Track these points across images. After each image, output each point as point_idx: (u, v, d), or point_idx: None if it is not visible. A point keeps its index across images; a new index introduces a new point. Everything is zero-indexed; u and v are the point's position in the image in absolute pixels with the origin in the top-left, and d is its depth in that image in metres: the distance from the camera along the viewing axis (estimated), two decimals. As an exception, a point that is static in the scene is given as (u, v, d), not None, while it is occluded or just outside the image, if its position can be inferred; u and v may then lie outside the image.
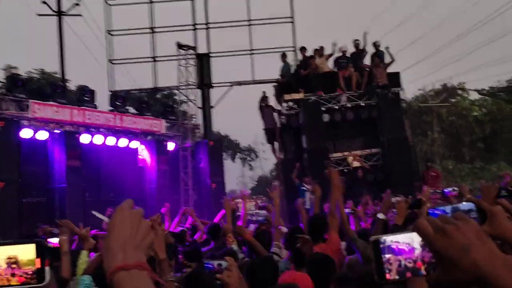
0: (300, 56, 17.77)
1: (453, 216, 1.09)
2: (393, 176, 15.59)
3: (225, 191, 18.35)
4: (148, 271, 1.12)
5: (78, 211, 12.57)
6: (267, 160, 47.42)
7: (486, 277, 1.00)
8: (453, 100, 44.21)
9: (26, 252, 1.33)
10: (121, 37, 19.36)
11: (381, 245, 1.14)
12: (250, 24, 19.26)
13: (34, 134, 12.95)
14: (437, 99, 41.96)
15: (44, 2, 22.25)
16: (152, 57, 19.19)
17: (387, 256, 1.13)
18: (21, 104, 12.95)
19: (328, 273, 3.86)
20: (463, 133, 41.90)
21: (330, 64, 17.16)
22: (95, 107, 14.84)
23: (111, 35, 19.06)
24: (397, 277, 1.13)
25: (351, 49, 16.97)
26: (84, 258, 4.86)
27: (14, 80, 13.18)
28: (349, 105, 16.44)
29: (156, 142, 16.47)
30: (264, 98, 16.95)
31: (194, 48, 18.60)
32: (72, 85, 26.44)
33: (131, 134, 15.85)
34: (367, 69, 16.59)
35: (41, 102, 13.35)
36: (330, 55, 16.89)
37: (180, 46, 18.20)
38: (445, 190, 6.77)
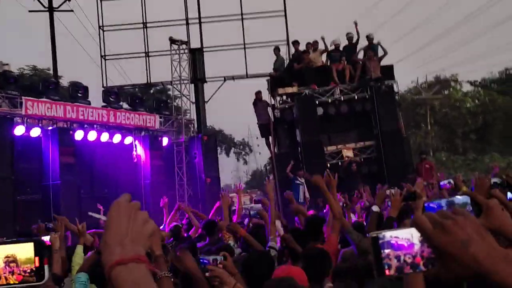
0: (293, 50, 17.77)
1: (452, 211, 1.09)
2: (387, 168, 15.67)
3: (220, 186, 18.36)
4: (146, 263, 1.11)
5: (73, 208, 12.54)
6: (261, 154, 47.52)
7: (486, 272, 1.00)
8: (446, 92, 44.36)
9: (25, 251, 1.33)
10: (113, 32, 19.28)
11: (380, 241, 1.14)
12: (242, 18, 19.23)
13: (27, 131, 12.89)
14: (430, 91, 42.07)
15: (35, -2, 22.12)
16: (145, 53, 19.13)
17: (387, 251, 1.13)
18: (13, 101, 12.88)
19: (323, 267, 3.88)
20: (456, 125, 42.08)
21: (323, 58, 17.17)
22: (89, 103, 14.77)
23: (103, 30, 18.98)
24: (396, 272, 1.13)
25: (344, 43, 16.99)
26: (80, 253, 4.86)
27: (6, 77, 13.09)
28: (342, 98, 16.46)
29: (150, 138, 16.43)
30: (257, 93, 16.94)
31: (187, 43, 18.54)
32: (64, 82, 26.38)
33: (124, 130, 15.80)
34: (360, 62, 16.61)
35: (34, 99, 13.28)
36: (324, 51, 16.89)
37: (172, 41, 18.13)
38: (441, 183, 6.80)
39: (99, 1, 19.03)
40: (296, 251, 4.92)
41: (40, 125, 13.44)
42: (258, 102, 16.91)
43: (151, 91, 34.56)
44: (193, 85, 18.78)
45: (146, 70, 19.10)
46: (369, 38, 16.74)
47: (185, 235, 8.11)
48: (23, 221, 11.98)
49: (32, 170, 13.25)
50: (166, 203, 9.70)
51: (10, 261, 1.32)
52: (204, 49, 19.11)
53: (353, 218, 7.49)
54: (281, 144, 17.14)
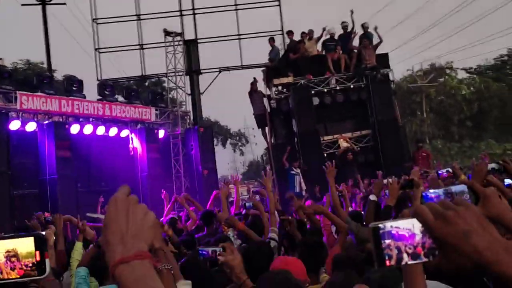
0: (287, 40, 17.73)
1: (454, 201, 1.08)
2: (384, 157, 15.71)
3: (217, 177, 18.37)
4: (149, 259, 1.11)
5: (70, 202, 12.54)
6: (258, 145, 47.62)
7: (488, 263, 1.00)
8: (441, 79, 44.40)
9: (25, 245, 1.33)
10: (107, 25, 19.17)
11: (381, 231, 1.13)
12: (236, 9, 19.14)
13: (22, 126, 12.85)
14: (426, 79, 42.10)
15: (28, -9, 21.98)
16: (139, 45, 19.04)
17: (387, 241, 1.12)
18: (8, 95, 12.82)
19: (319, 257, 3.89)
20: (452, 112, 42.18)
21: (318, 47, 17.15)
22: (84, 96, 14.71)
23: (97, 23, 18.86)
24: (397, 263, 1.12)
25: (339, 32, 16.96)
26: (79, 249, 4.87)
27: (0, 72, 13.03)
28: (338, 87, 16.47)
29: (146, 130, 16.40)
30: (253, 83, 16.91)
31: (181, 34, 18.46)
32: (59, 75, 26.27)
33: (120, 123, 15.76)
34: (355, 50, 16.58)
35: (29, 93, 13.23)
36: (319, 39, 16.87)
37: (167, 33, 18.05)
38: (439, 172, 6.82)
39: (92, -6, 18.92)
40: (295, 238, 4.94)
41: (35, 119, 13.39)
42: (253, 92, 16.89)
43: (146, 83, 34.49)
44: (188, 77, 18.72)
45: (141, 62, 19.04)
46: (364, 26, 16.72)
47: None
48: (20, 216, 11.96)
49: (29, 165, 13.22)
50: (166, 195, 9.75)
51: (11, 255, 1.32)
52: (199, 41, 19.03)
53: (350, 208, 7.52)
54: (278, 134, 17.14)
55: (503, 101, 41.36)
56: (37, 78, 14.04)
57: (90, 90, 15.67)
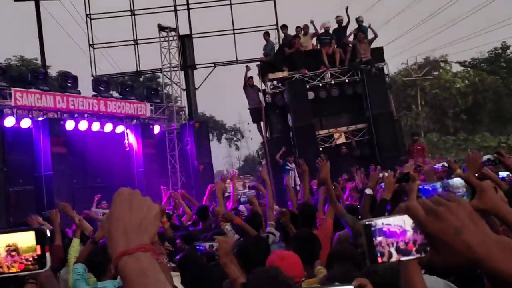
0: (282, 35, 17.70)
1: (446, 197, 1.07)
2: (379, 150, 15.74)
3: (213, 172, 18.38)
4: (152, 251, 1.11)
5: (66, 198, 12.45)
6: (253, 139, 47.58)
7: (479, 258, 0.99)
8: (436, 73, 44.47)
9: (26, 239, 1.34)
10: (101, 20, 19.09)
11: (373, 228, 1.13)
12: (231, 4, 19.10)
13: (17, 122, 12.81)
14: (420, 72, 42.16)
15: (21, -13, 21.83)
16: (133, 40, 18.98)
17: (379, 238, 1.12)
18: (2, 92, 12.79)
19: (313, 250, 3.91)
20: (447, 106, 42.26)
21: (313, 41, 17.13)
22: (78, 92, 14.68)
23: (91, 19, 18.78)
24: (388, 260, 1.12)
25: (333, 26, 16.94)
26: (76, 246, 4.88)
27: (-6, 69, 12.99)
28: (333, 81, 16.47)
29: (141, 126, 16.39)
30: (249, 78, 16.89)
31: (175, 29, 18.41)
32: (53, 71, 26.16)
33: (116, 118, 15.75)
34: (350, 45, 16.58)
35: (23, 89, 13.19)
36: (314, 34, 16.85)
37: (161, 28, 18.00)
38: (435, 166, 6.84)
39: (85, -11, 18.82)
40: (289, 231, 4.97)
41: (30, 116, 13.37)
42: (249, 87, 16.87)
43: (141, 79, 34.41)
44: (183, 72, 18.69)
45: (135, 58, 18.97)
46: (358, 21, 16.70)
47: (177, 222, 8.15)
48: (16, 213, 11.95)
49: (24, 161, 13.19)
50: (165, 190, 9.78)
51: (12, 250, 1.33)
52: (193, 36, 18.98)
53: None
54: (273, 129, 17.14)
55: (498, 94, 41.48)
56: (31, 74, 14.00)
57: (85, 86, 15.65)
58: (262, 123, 17.21)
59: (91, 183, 14.56)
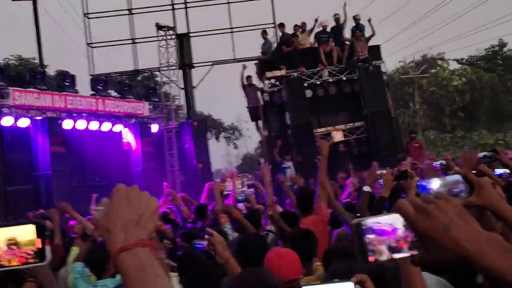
0: (279, 33, 17.71)
1: (435, 195, 1.07)
2: (377, 148, 15.76)
3: (211, 171, 18.39)
4: (150, 247, 1.11)
5: (65, 197, 12.45)
6: (251, 138, 47.54)
7: (469, 255, 0.99)
8: (433, 70, 44.47)
9: (26, 233, 1.35)
10: (99, 20, 19.08)
11: (363, 227, 1.13)
12: (228, 2, 19.10)
13: (15, 122, 12.80)
14: (418, 70, 42.16)
15: (18, -13, 21.79)
16: (131, 39, 18.97)
17: (370, 237, 1.12)
18: (1, 91, 12.77)
19: (309, 247, 3.93)
20: (444, 103, 42.27)
21: (310, 39, 17.13)
22: (76, 92, 14.68)
23: (88, 18, 18.77)
24: (380, 258, 1.12)
25: (331, 24, 16.94)
26: (74, 255, 4.81)
27: (-8, 68, 12.98)
28: (331, 80, 16.48)
29: (140, 125, 16.39)
30: (247, 77, 16.90)
31: (173, 28, 18.41)
32: (51, 71, 26.12)
33: (114, 117, 15.74)
34: (347, 42, 16.59)
35: (22, 89, 13.18)
36: (311, 31, 16.86)
37: (159, 27, 18.00)
38: (433, 164, 6.87)
39: (83, -12, 18.80)
40: (283, 230, 4.99)
41: (28, 115, 13.36)
42: (247, 85, 16.88)
43: (139, 78, 34.35)
44: (181, 71, 18.69)
45: (133, 57, 18.97)
46: (356, 19, 16.72)
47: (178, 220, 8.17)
48: (15, 212, 11.95)
49: (22, 161, 13.19)
50: (169, 187, 9.78)
51: (12, 243, 1.34)
52: (191, 34, 18.99)
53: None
54: (271, 127, 17.15)
55: (495, 91, 41.51)
56: (29, 73, 14.00)
57: (83, 85, 15.65)
58: (260, 122, 17.23)
59: (90, 182, 14.55)
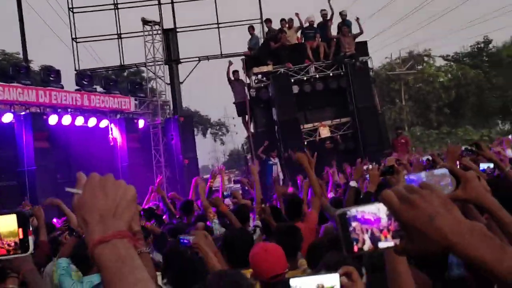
0: (266, 29, 17.68)
1: (419, 185, 1.08)
2: (364, 144, 15.83)
3: (198, 167, 18.34)
4: (129, 237, 1.08)
5: (50, 193, 12.35)
6: (238, 134, 47.57)
7: (452, 244, 1.00)
8: (419, 67, 44.75)
9: (7, 223, 1.31)
10: (84, 14, 18.89)
11: (347, 216, 1.13)
12: (215, -3, 19.02)
13: (-1, 117, 12.67)
14: (404, 67, 42.41)
15: (2, -20, 21.51)
16: (117, 34, 18.80)
17: (353, 224, 1.12)
18: (-16, 87, 12.63)
19: (294, 242, 3.94)
20: (430, 100, 42.58)
21: (298, 35, 17.13)
22: (62, 87, 14.53)
23: (73, 12, 18.56)
24: (364, 247, 1.12)
25: (318, 19, 16.96)
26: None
27: (-25, 63, 12.82)
28: (318, 75, 16.51)
29: (126, 120, 16.30)
30: (234, 72, 16.87)
31: (159, 23, 18.29)
32: (35, 66, 25.87)
33: (99, 113, 15.63)
34: (334, 38, 16.62)
35: (5, 84, 13.02)
36: (299, 28, 16.87)
37: (145, 22, 17.87)
38: (420, 160, 6.93)
39: (67, -18, 18.59)
40: (270, 226, 4.99)
41: (12, 110, 13.20)
42: (234, 81, 16.85)
43: (125, 73, 34.17)
44: (167, 66, 18.59)
45: (119, 52, 18.81)
46: (342, 15, 16.75)
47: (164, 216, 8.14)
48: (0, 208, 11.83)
49: (6, 157, 13.05)
50: (162, 180, 9.70)
51: None
52: (178, 30, 18.88)
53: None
54: (258, 123, 17.14)
55: (480, 88, 41.88)
56: (13, 68, 13.83)
57: (68, 81, 15.48)
58: (247, 117, 17.21)
59: (75, 178, 14.39)
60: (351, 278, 1.78)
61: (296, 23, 16.86)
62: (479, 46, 45.22)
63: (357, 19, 16.53)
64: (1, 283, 2.80)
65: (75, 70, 17.54)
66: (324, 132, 16.35)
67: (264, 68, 16.49)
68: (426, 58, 45.66)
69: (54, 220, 7.81)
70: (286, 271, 3.23)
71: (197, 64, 19.33)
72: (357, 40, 16.69)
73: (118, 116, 16.48)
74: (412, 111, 43.52)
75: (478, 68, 42.83)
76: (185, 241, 4.44)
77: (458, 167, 3.05)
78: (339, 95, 16.59)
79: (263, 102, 16.84)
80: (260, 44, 17.36)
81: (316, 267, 2.89)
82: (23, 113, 13.30)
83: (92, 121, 15.12)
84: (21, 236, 1.31)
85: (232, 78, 16.81)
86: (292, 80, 16.27)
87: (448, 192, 1.78)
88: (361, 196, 5.15)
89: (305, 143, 15.76)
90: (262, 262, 3.14)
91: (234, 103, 17.25)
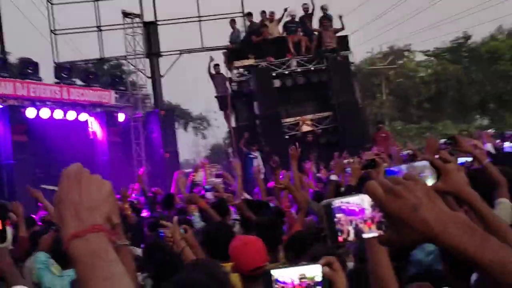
0: (248, 22, 17.63)
1: (403, 176, 1.09)
2: (345, 138, 15.89)
3: (179, 160, 18.27)
4: (105, 231, 1.07)
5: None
6: (220, 128, 47.34)
7: (437, 235, 1.01)
8: (400, 62, 45.05)
9: None
10: (63, 6, 18.63)
11: (332, 207, 1.15)
12: (197, -10, 18.90)
13: (-24, 110, 12.47)
14: (385, 61, 42.65)
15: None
16: (97, 27, 18.58)
17: (338, 216, 1.14)
18: (-40, 79, 12.41)
19: (275, 235, 3.94)
20: (411, 94, 42.90)
21: (279, 29, 17.11)
22: (40, 79, 14.35)
23: (52, 4, 18.29)
24: (349, 238, 1.14)
25: (299, 13, 16.96)
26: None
27: (-50, 54, 12.58)
28: (299, 69, 16.52)
29: (105, 114, 16.15)
30: (215, 65, 16.80)
31: (140, 16, 18.12)
32: (13, 58, 25.44)
33: (79, 106, 15.47)
34: (315, 32, 16.64)
35: (-18, 76, 12.83)
36: (280, 20, 16.85)
37: (125, 14, 17.70)
38: (401, 154, 6.99)
39: (46, -27, 18.31)
40: (249, 219, 4.99)
41: (-11, 103, 13.01)
42: (215, 74, 16.79)
43: (105, 67, 33.79)
44: (148, 59, 18.45)
45: (99, 45, 18.60)
46: (323, 8, 16.77)
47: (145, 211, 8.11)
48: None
49: (-17, 150, 12.86)
50: (144, 173, 9.65)
51: None
52: (158, 23, 18.73)
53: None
54: (239, 117, 17.12)
55: (460, 82, 42.31)
56: (-11, 61, 13.62)
57: (47, 73, 15.29)
58: (228, 111, 17.17)
59: (54, 172, 14.22)
60: (333, 267, 1.79)
61: (278, 16, 16.84)
62: (459, 41, 45.65)
63: (340, 17, 16.55)
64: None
65: (54, 63, 17.31)
66: (305, 126, 16.36)
67: (246, 62, 16.45)
68: (406, 53, 45.96)
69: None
70: (267, 264, 3.23)
71: (178, 58, 19.22)
72: (338, 34, 16.72)
73: (98, 109, 16.32)
74: (393, 106, 43.84)
75: (458, 63, 43.26)
76: (163, 234, 4.44)
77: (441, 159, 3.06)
78: (321, 89, 16.64)
79: (244, 96, 16.82)
80: (241, 38, 17.30)
81: (296, 259, 2.89)
82: (1, 106, 13.10)
83: (71, 115, 14.94)
84: None
85: (213, 72, 16.75)
86: (274, 74, 16.26)
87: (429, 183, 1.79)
88: (342, 190, 5.19)
89: (286, 137, 15.78)
90: (241, 255, 3.13)
91: (215, 97, 17.19)
